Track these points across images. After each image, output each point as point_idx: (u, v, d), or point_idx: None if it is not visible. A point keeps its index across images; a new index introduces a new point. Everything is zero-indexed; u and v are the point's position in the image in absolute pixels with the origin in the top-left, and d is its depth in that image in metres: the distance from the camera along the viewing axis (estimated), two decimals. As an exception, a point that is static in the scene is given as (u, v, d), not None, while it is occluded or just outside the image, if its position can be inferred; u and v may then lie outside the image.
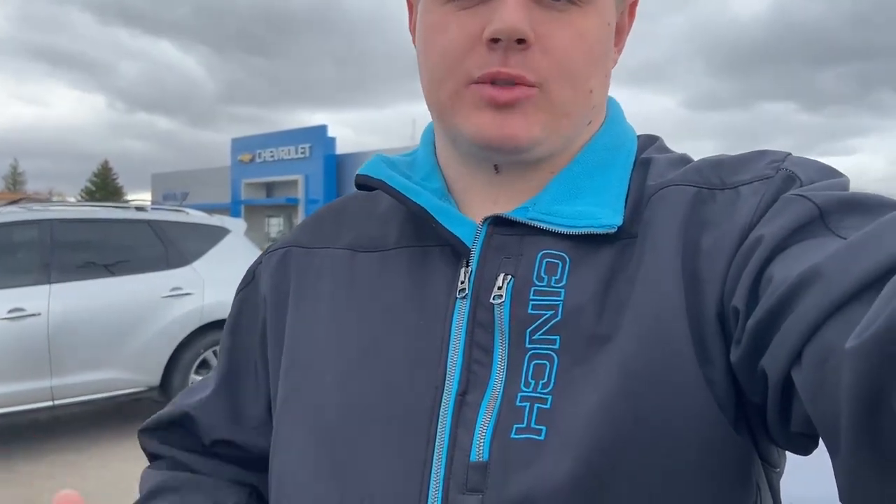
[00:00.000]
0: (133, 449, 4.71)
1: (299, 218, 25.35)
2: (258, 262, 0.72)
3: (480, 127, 0.55)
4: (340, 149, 26.89)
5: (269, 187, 29.26)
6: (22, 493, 4.16)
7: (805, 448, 0.50)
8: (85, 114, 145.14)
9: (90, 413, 5.55)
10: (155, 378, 5.14)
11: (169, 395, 5.19)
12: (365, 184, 0.64)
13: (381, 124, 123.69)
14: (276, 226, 27.96)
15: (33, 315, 4.62)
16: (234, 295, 0.73)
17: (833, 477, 0.41)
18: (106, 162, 53.81)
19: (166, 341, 5.14)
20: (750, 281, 0.47)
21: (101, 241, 5.18)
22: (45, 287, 4.74)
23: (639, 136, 0.65)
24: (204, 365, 5.33)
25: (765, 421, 0.49)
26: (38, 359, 4.62)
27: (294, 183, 26.94)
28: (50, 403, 4.71)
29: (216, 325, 5.29)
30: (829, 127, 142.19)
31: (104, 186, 50.86)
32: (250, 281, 0.71)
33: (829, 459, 0.47)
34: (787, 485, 0.60)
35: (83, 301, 4.84)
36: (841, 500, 0.40)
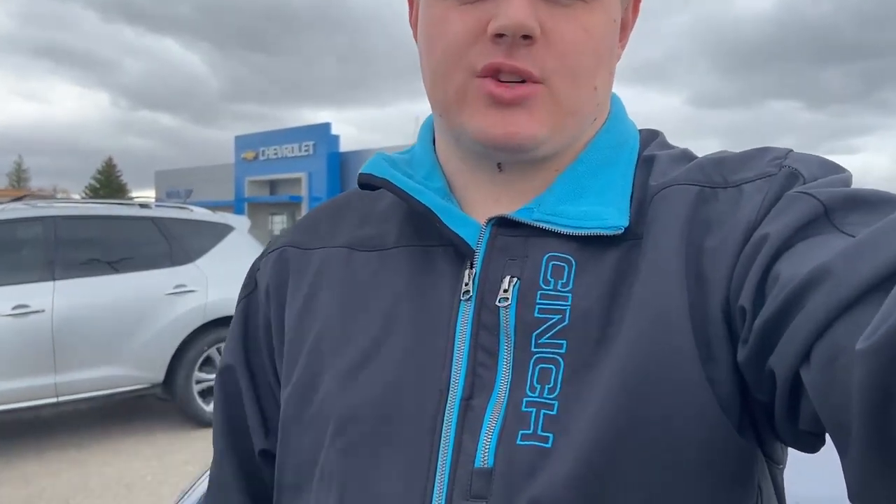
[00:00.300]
0: (136, 446, 4.71)
1: (302, 215, 25.39)
2: (256, 269, 0.71)
3: (485, 125, 0.54)
4: (344, 146, 26.91)
5: (273, 185, 29.28)
6: (25, 490, 4.17)
7: (812, 446, 0.49)
8: (89, 111, 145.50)
9: (94, 410, 5.56)
10: (159, 375, 5.14)
11: (172, 393, 5.21)
12: (368, 183, 0.62)
13: (384, 122, 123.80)
14: (279, 223, 27.97)
15: (37, 312, 4.63)
16: (236, 302, 0.71)
17: (835, 475, 0.41)
18: (110, 159, 53.94)
19: (170, 338, 5.14)
20: (756, 280, 0.47)
21: (105, 238, 5.19)
22: (50, 284, 4.75)
23: (640, 132, 0.64)
24: (208, 362, 5.34)
25: (771, 419, 0.49)
26: (42, 355, 4.63)
27: (297, 181, 26.96)
28: (54, 400, 4.72)
29: (220, 322, 5.29)
30: (833, 125, 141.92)
31: (108, 184, 50.94)
32: (253, 288, 0.70)
33: (833, 458, 0.47)
34: (792, 484, 0.60)
35: (87, 298, 4.84)
36: (850, 500, 0.40)
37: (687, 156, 0.60)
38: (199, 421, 5.26)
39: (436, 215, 0.57)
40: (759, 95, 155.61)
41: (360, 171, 0.63)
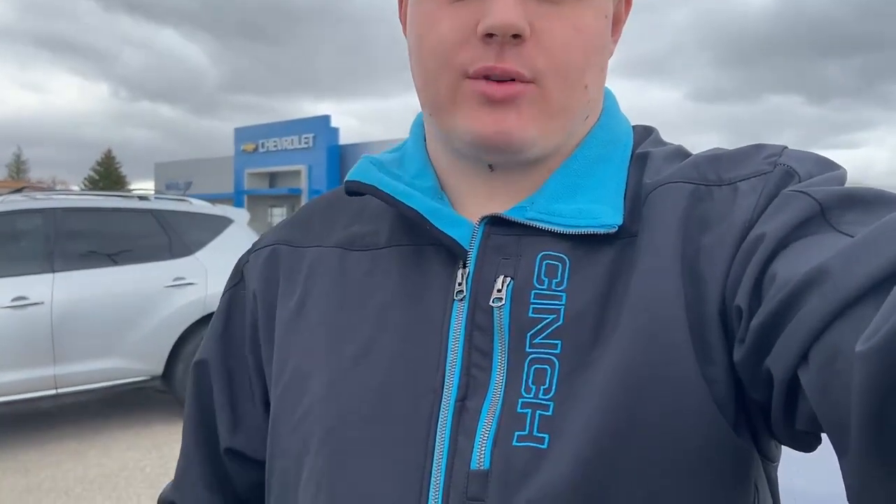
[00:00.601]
0: (135, 438, 4.71)
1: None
2: (245, 261, 0.70)
3: (476, 125, 0.54)
4: (344, 139, 26.90)
5: (272, 177, 29.26)
6: (25, 480, 4.18)
7: (809, 445, 0.49)
8: (88, 102, 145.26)
9: (93, 402, 5.57)
10: (158, 367, 5.15)
11: (171, 385, 5.22)
12: (356, 190, 0.61)
13: (385, 114, 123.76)
14: (278, 216, 27.93)
15: (36, 304, 4.63)
16: (222, 293, 0.71)
17: (827, 470, 0.41)
18: (109, 150, 53.94)
19: (169, 331, 5.15)
20: (752, 280, 0.46)
21: (104, 230, 5.19)
22: (49, 276, 4.75)
23: (634, 128, 0.64)
24: (206, 354, 5.33)
25: (767, 418, 0.48)
26: (42, 347, 4.64)
27: (297, 173, 26.96)
28: (53, 392, 4.73)
29: (219, 314, 5.29)
30: (834, 120, 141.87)
31: (107, 175, 50.90)
32: (238, 280, 0.69)
33: (824, 454, 0.47)
34: (789, 480, 0.60)
35: (86, 290, 4.85)
36: (849, 501, 0.40)
37: (681, 153, 0.60)
38: (199, 413, 5.26)
39: (426, 219, 0.57)
40: (759, 90, 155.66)
41: (346, 179, 0.62)
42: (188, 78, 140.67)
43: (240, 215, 6.02)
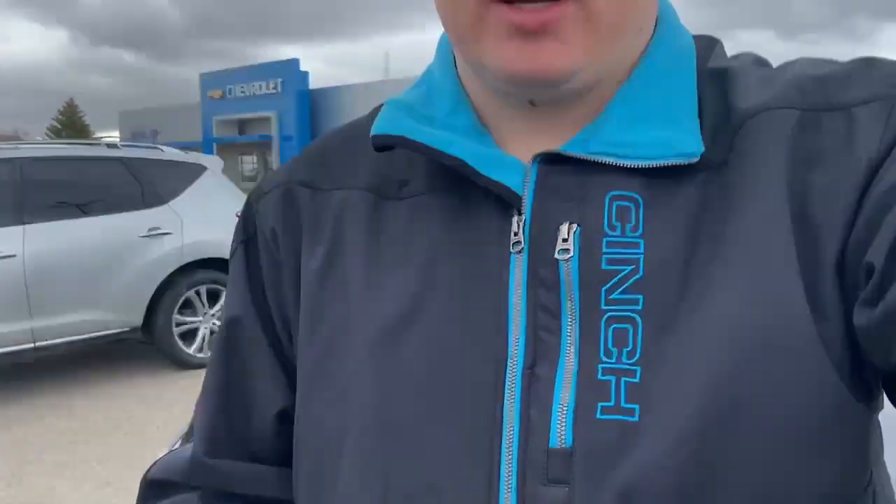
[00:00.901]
0: (119, 388, 4.71)
1: (273, 156, 25.06)
2: (255, 212, 0.59)
3: (507, 60, 0.44)
4: (313, 83, 26.32)
5: (242, 124, 28.68)
6: (9, 434, 4.17)
7: None
8: (47, 49, 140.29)
9: (75, 354, 5.53)
10: (137, 318, 5.12)
11: (152, 335, 5.20)
12: (384, 144, 0.51)
13: (353, 57, 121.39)
14: (249, 164, 27.54)
15: (8, 256, 4.54)
16: (231, 251, 0.61)
17: None
18: (71, 99, 52.28)
19: (147, 281, 5.10)
20: (893, 234, 0.39)
21: (73, 179, 5.06)
22: (20, 228, 4.65)
23: (695, 38, 0.54)
24: (187, 305, 5.31)
25: (886, 384, 0.43)
26: (17, 301, 4.57)
27: (267, 120, 26.43)
28: (31, 346, 4.69)
29: (197, 264, 5.26)
30: (805, 54, 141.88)
31: (70, 125, 49.49)
32: (252, 234, 0.59)
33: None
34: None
35: (59, 242, 4.76)
36: None
37: (772, 70, 0.51)
38: (182, 363, 5.27)
39: (471, 167, 0.48)
40: (730, 26, 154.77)
41: (372, 133, 0.52)
42: (150, 22, 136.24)
43: (213, 163, 5.91)
